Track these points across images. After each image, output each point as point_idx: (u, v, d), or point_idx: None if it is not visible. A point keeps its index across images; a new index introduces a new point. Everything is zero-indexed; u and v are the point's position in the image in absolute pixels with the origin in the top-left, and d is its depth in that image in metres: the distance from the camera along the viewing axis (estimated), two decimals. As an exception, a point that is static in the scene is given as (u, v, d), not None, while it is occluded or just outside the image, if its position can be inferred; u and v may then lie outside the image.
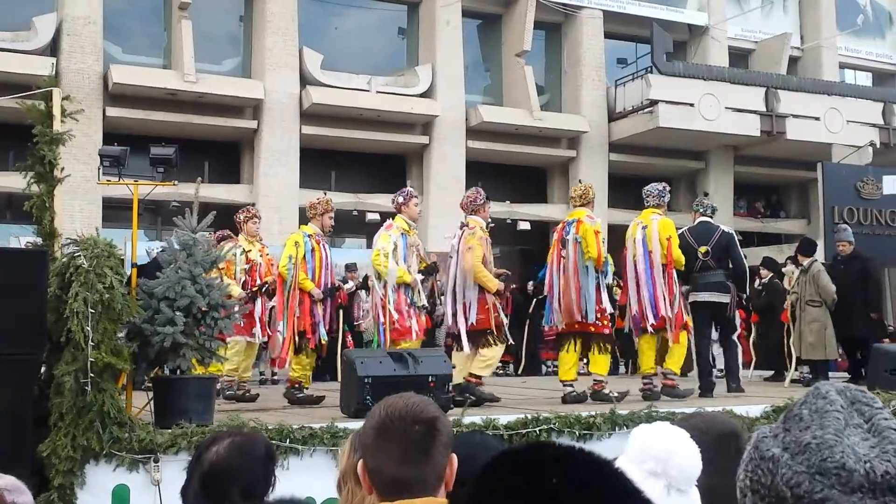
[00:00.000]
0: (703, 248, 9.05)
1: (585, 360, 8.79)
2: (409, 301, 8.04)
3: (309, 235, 8.37)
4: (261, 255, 9.46)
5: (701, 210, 9.56)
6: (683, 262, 8.65)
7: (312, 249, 8.31)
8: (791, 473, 1.19)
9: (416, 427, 1.90)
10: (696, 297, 8.99)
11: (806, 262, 11.05)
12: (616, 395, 8.05)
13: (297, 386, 8.20)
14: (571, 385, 8.14)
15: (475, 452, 2.33)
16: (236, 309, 9.03)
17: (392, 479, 1.87)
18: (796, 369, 11.69)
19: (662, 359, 8.80)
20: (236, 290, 8.77)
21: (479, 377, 7.89)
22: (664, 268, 8.43)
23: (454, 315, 7.93)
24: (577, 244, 8.05)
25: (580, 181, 9.12)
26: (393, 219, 8.44)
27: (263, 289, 9.16)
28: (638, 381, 8.79)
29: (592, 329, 8.12)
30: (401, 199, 8.38)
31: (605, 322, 8.18)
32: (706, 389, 8.76)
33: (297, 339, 8.17)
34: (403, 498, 1.86)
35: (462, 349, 7.92)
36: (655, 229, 8.51)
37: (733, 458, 1.97)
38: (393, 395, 2.02)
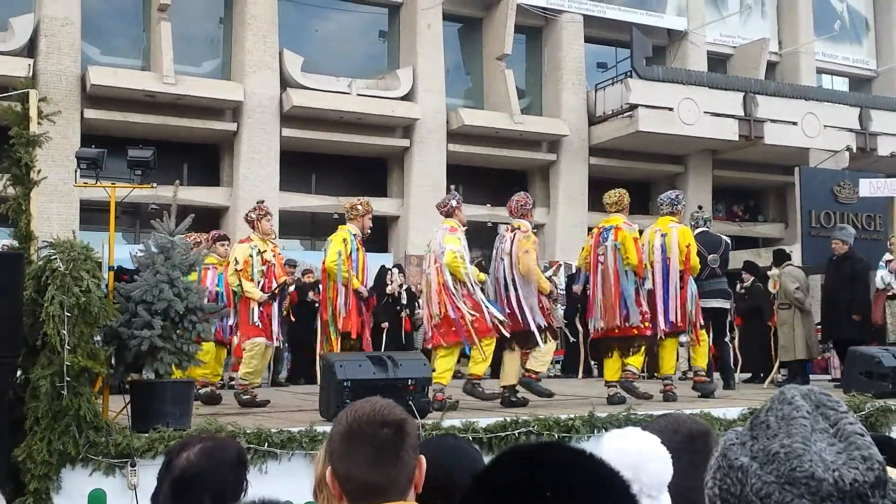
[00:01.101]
0: (712, 256, 9.56)
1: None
2: (483, 300, 8.13)
3: (353, 235, 8.27)
4: (273, 256, 9.09)
5: (701, 223, 10.10)
6: (699, 270, 9.07)
7: (357, 249, 8.24)
8: (760, 484, 1.19)
9: (384, 430, 1.89)
10: (706, 304, 9.36)
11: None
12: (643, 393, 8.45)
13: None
14: (615, 385, 8.45)
15: (447, 456, 2.33)
16: (232, 310, 9.03)
17: (362, 484, 1.86)
18: (778, 371, 11.85)
19: (656, 366, 9.27)
20: (257, 294, 8.61)
21: (537, 372, 8.30)
22: (681, 274, 8.78)
23: (512, 315, 8.09)
24: (616, 250, 8.32)
25: (615, 189, 9.14)
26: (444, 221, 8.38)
27: (281, 290, 9.02)
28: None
29: (636, 332, 8.39)
30: (454, 203, 8.38)
31: (647, 325, 8.46)
32: (728, 385, 9.93)
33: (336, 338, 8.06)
34: (375, 502, 1.85)
35: (514, 349, 8.18)
36: (675, 237, 8.85)
37: (703, 457, 1.98)
38: (358, 399, 2.02)
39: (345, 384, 6.39)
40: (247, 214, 9.28)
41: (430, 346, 8.31)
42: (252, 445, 5.71)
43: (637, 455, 2.02)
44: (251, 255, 8.76)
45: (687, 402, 8.30)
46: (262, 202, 9.50)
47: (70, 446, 5.44)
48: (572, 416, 6.75)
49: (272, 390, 10.75)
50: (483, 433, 6.32)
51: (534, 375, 8.28)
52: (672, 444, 2.15)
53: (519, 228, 8.30)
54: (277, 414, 7.64)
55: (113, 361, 6.05)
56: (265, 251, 8.92)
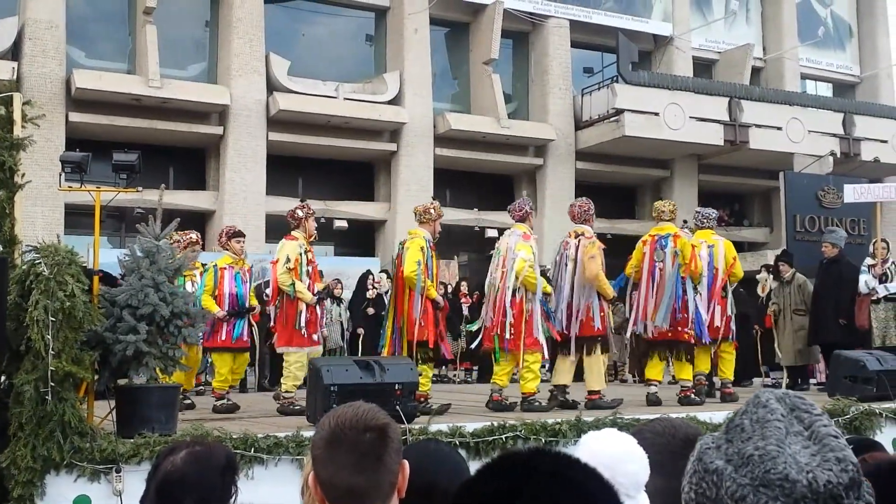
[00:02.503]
0: None
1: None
2: (545, 311, 8.17)
3: (427, 241, 8.01)
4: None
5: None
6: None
7: (431, 256, 8.03)
8: (735, 486, 1.19)
9: (367, 435, 1.88)
10: None
11: (788, 273, 11.40)
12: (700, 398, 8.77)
13: (424, 400, 7.80)
14: (656, 385, 8.72)
15: (431, 460, 2.33)
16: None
17: (346, 490, 1.86)
18: (767, 375, 11.93)
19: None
20: (308, 296, 8.17)
21: (599, 391, 8.32)
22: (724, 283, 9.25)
23: (568, 320, 8.24)
24: (675, 257, 8.58)
25: (664, 199, 9.65)
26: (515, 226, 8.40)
27: (327, 294, 8.82)
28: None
29: (685, 336, 8.68)
30: (528, 209, 8.41)
31: (692, 331, 8.77)
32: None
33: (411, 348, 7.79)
34: None
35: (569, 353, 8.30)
36: (722, 249, 9.35)
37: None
38: (342, 404, 2.01)
39: (332, 389, 6.38)
40: (293, 212, 8.58)
41: (487, 349, 8.33)
42: (239, 450, 5.68)
43: (613, 456, 2.03)
44: (300, 254, 8.25)
45: (670, 406, 8.29)
46: (306, 201, 9.12)
47: (54, 452, 5.40)
48: (559, 420, 6.76)
49: (259, 395, 10.71)
50: (470, 437, 6.32)
51: (596, 395, 8.32)
52: (671, 447, 2.15)
53: (583, 234, 8.41)
54: (264, 419, 7.61)
55: (98, 367, 6.00)
56: (309, 251, 8.59)
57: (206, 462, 2.52)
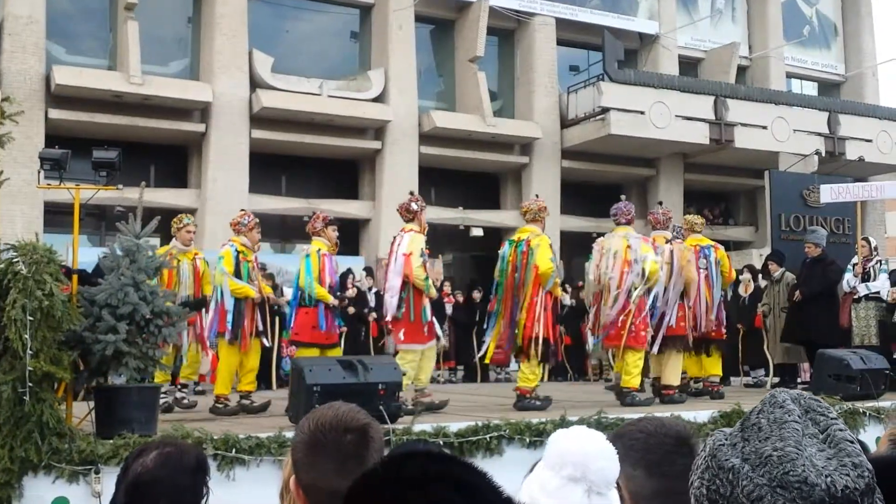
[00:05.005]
0: None
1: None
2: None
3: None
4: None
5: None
6: None
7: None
8: (752, 486, 1.19)
9: (347, 436, 1.85)
10: None
11: (777, 272, 11.44)
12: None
13: (528, 395, 8.03)
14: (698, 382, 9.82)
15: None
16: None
17: (329, 493, 1.82)
18: (747, 374, 11.95)
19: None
20: (433, 292, 8.20)
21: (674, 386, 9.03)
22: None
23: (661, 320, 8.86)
24: (717, 265, 9.58)
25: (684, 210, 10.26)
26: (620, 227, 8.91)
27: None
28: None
29: (713, 335, 9.66)
30: (633, 213, 9.00)
31: (723, 329, 9.87)
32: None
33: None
34: None
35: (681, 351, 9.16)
36: (720, 253, 10.01)
37: (684, 460, 1.94)
38: (320, 406, 1.97)
39: (314, 389, 6.32)
40: (407, 205, 8.35)
41: (610, 347, 8.82)
42: (220, 451, 5.62)
43: (583, 453, 2.00)
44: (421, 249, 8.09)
45: (653, 406, 8.35)
46: (415, 193, 8.82)
47: (32, 453, 5.34)
48: (543, 420, 6.71)
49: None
50: (454, 437, 6.27)
51: (673, 391, 8.95)
52: (664, 446, 2.13)
53: (676, 239, 9.40)
54: (246, 419, 7.54)
55: (77, 366, 5.91)
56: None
57: (177, 463, 2.48)
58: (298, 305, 8.45)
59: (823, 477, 1.17)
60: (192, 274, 8.75)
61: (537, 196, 8.85)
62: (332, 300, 8.44)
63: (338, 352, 8.71)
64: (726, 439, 1.29)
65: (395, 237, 8.41)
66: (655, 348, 8.77)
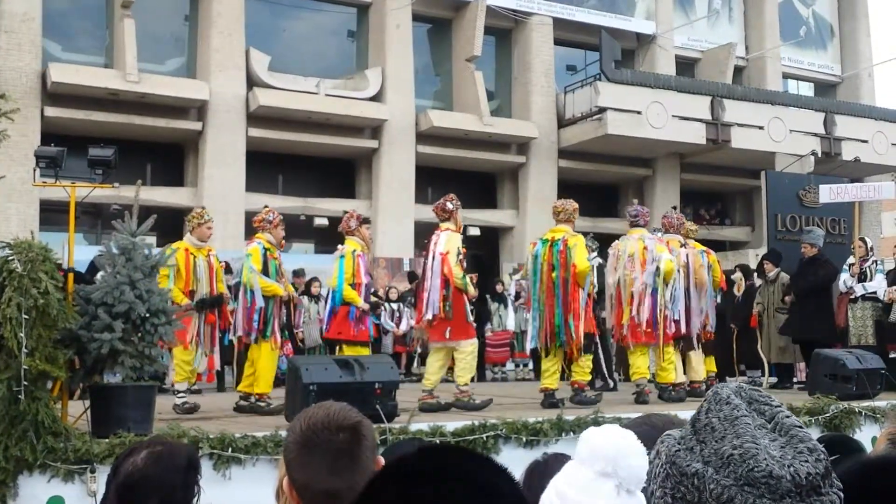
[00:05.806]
0: None
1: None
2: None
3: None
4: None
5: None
6: None
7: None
8: (720, 488, 1.19)
9: (340, 435, 1.85)
10: None
11: (772, 272, 11.45)
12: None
13: (584, 388, 8.33)
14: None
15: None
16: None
17: (323, 492, 1.82)
18: (743, 373, 11.96)
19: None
20: (473, 290, 8.24)
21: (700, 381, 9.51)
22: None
23: (688, 322, 9.15)
24: (710, 269, 9.75)
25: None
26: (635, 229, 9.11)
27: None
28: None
29: (706, 336, 9.88)
30: (648, 216, 9.29)
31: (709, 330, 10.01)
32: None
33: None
34: None
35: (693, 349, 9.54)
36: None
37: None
38: (311, 406, 1.97)
39: (311, 388, 6.30)
40: (443, 205, 8.38)
41: (627, 344, 8.94)
42: (216, 451, 5.60)
43: (615, 449, 2.01)
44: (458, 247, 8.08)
45: (648, 404, 8.38)
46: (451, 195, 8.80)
47: (27, 452, 5.31)
48: (540, 419, 6.71)
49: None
50: (451, 437, 6.26)
51: (696, 384, 9.33)
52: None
53: (689, 244, 9.64)
54: (243, 418, 7.52)
55: (72, 365, 5.89)
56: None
57: (168, 462, 2.47)
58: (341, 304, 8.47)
59: (787, 468, 1.17)
60: (207, 271, 8.68)
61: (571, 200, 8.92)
62: (361, 303, 8.43)
63: (365, 350, 8.64)
64: (681, 443, 1.27)
65: (431, 236, 8.41)
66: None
